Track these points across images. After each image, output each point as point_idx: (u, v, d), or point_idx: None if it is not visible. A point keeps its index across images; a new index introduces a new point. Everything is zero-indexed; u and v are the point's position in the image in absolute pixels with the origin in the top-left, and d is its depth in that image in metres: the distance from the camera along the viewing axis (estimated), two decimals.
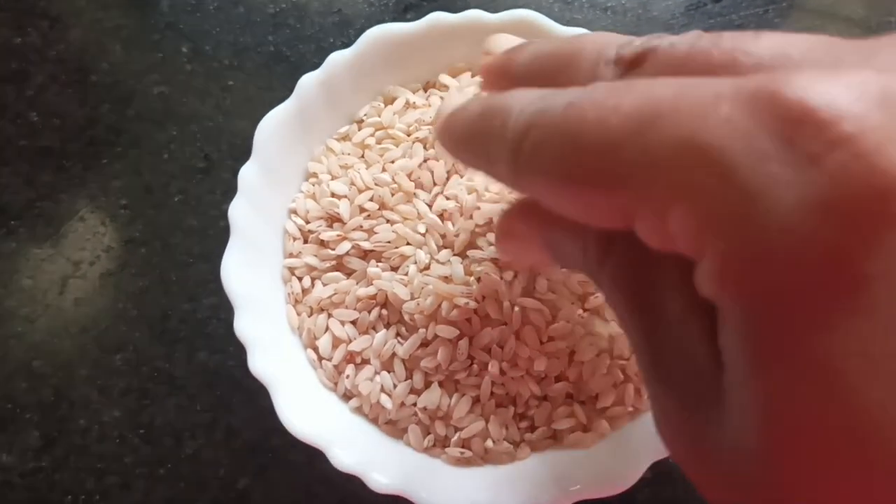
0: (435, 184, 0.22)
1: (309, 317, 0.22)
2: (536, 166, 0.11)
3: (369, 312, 0.21)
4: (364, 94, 0.24)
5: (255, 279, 0.22)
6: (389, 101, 0.24)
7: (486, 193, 0.21)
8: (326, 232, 0.22)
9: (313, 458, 0.20)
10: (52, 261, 0.28)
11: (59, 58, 0.32)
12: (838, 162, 0.08)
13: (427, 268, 0.21)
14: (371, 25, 0.24)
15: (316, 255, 0.22)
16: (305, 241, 0.23)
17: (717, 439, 0.10)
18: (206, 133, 0.30)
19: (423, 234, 0.21)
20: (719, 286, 0.10)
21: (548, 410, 0.21)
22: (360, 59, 0.24)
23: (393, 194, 0.22)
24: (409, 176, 0.22)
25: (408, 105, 0.24)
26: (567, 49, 0.14)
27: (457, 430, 0.21)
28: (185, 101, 0.31)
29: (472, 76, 0.24)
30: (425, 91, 0.25)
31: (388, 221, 0.22)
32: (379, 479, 0.20)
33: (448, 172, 0.22)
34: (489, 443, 0.21)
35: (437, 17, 0.24)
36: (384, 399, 0.21)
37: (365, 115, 0.24)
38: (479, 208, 0.21)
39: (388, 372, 0.21)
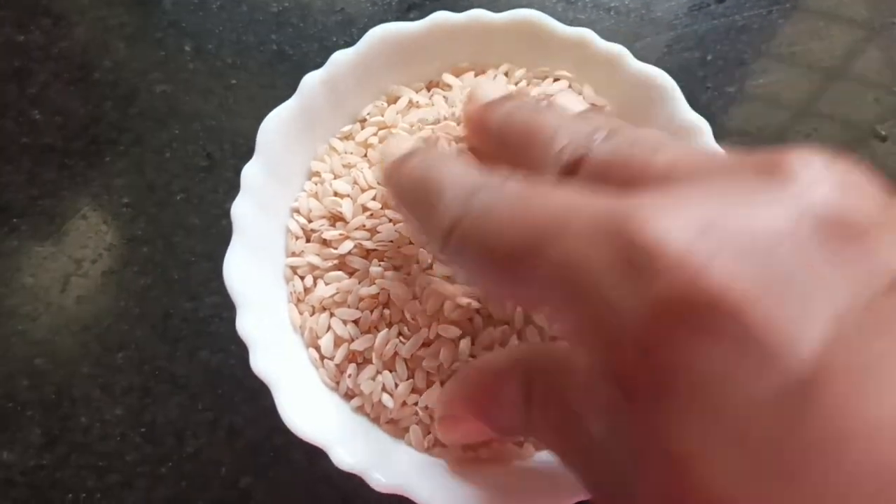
0: None
1: (311, 316, 0.22)
2: (459, 261, 0.15)
3: (371, 312, 0.21)
4: (367, 93, 0.24)
5: (258, 278, 0.22)
6: (392, 100, 0.24)
7: None
8: (329, 231, 0.22)
9: (315, 457, 0.20)
10: (53, 259, 0.28)
11: (61, 55, 0.32)
12: (662, 285, 0.11)
13: (430, 267, 0.21)
14: (374, 24, 0.24)
15: (318, 255, 0.22)
16: (308, 240, 0.23)
17: None
18: (208, 132, 0.30)
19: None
20: (600, 377, 0.12)
21: None
22: (363, 58, 0.24)
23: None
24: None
25: (411, 104, 0.24)
26: (529, 128, 0.16)
27: None
28: (187, 100, 0.31)
29: (475, 75, 0.24)
30: (428, 90, 0.25)
31: (390, 221, 0.22)
32: (380, 479, 0.20)
33: None
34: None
35: (441, 17, 0.24)
36: (385, 398, 0.21)
37: (368, 114, 0.24)
38: None
39: (390, 371, 0.21)
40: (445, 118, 0.22)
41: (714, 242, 0.11)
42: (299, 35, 0.32)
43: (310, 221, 0.23)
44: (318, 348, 0.22)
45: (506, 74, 0.24)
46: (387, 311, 0.21)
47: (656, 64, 0.23)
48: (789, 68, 0.32)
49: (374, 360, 0.21)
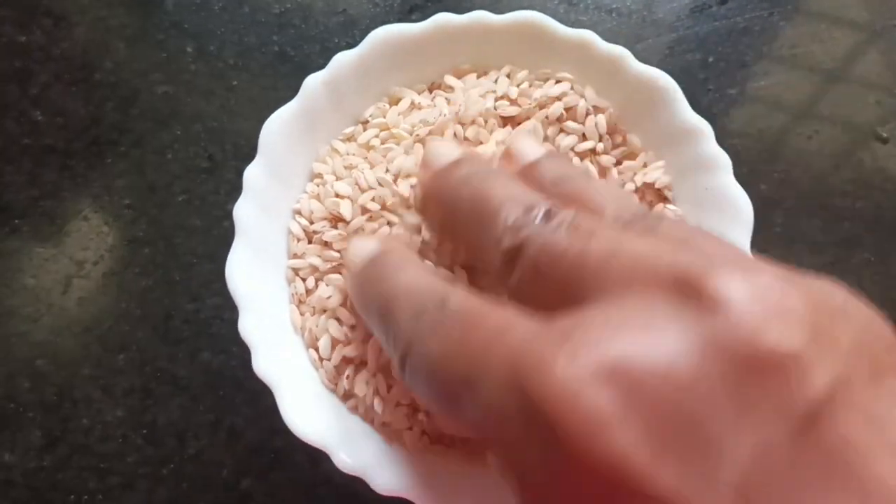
0: None
1: (311, 317, 0.22)
2: (413, 387, 0.15)
3: None
4: (369, 94, 0.24)
5: (260, 279, 0.22)
6: (394, 101, 0.24)
7: None
8: (329, 232, 0.22)
9: (316, 459, 0.20)
10: (55, 260, 0.28)
11: (63, 56, 0.32)
12: (564, 456, 0.11)
13: None
14: (376, 26, 0.24)
15: (319, 256, 0.22)
16: (310, 242, 0.23)
17: None
18: (210, 133, 0.30)
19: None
20: None
21: None
22: (365, 59, 0.24)
23: (394, 196, 0.22)
24: (408, 178, 0.22)
25: (413, 106, 0.24)
26: (474, 204, 0.17)
27: None
28: (189, 101, 0.31)
29: (478, 77, 0.24)
30: (430, 92, 0.25)
31: (388, 224, 0.22)
32: (381, 481, 0.20)
33: None
34: None
35: (443, 18, 0.24)
36: (376, 402, 0.21)
37: (370, 115, 0.24)
38: None
39: (384, 375, 0.21)
40: (445, 115, 0.22)
41: (617, 397, 0.10)
42: (301, 36, 0.32)
43: (311, 223, 0.23)
44: (317, 349, 0.22)
45: (507, 76, 0.24)
46: None
47: (658, 66, 0.23)
48: (791, 70, 0.32)
49: (369, 363, 0.21)
